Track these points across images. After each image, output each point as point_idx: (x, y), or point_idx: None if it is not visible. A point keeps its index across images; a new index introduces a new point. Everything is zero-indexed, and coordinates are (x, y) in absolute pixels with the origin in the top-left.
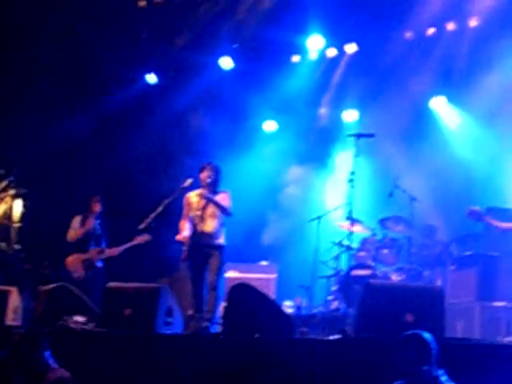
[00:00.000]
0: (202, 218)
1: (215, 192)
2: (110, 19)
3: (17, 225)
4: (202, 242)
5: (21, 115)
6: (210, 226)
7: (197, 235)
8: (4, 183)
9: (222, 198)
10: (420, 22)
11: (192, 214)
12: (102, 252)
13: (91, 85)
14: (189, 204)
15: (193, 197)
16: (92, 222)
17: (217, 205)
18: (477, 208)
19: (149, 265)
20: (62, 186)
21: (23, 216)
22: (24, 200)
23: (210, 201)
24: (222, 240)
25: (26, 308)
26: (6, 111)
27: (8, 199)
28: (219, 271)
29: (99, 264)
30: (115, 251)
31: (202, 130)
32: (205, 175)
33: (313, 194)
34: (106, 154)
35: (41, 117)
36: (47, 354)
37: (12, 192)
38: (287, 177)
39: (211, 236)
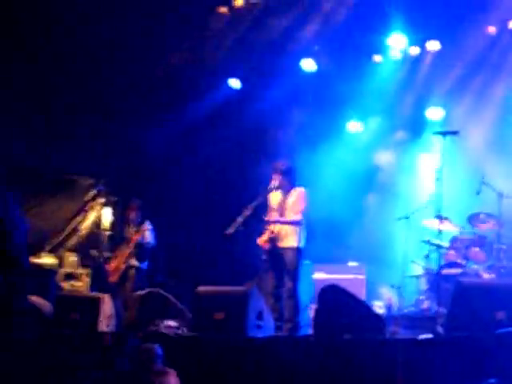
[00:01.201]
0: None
1: (290, 189)
2: (192, 25)
3: (107, 232)
4: (276, 244)
5: (108, 124)
6: (283, 227)
7: (272, 237)
8: (93, 192)
9: (296, 198)
10: (502, 16)
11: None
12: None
13: (175, 92)
14: (270, 205)
15: (272, 197)
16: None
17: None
18: None
19: (238, 267)
20: (151, 193)
21: (113, 224)
22: (114, 208)
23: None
24: (296, 242)
25: (119, 314)
26: (93, 120)
27: (98, 207)
28: (295, 276)
29: (132, 265)
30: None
31: (286, 132)
32: (275, 178)
33: (401, 190)
34: (191, 160)
35: (128, 125)
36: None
37: (102, 200)
38: (374, 174)
39: (284, 238)
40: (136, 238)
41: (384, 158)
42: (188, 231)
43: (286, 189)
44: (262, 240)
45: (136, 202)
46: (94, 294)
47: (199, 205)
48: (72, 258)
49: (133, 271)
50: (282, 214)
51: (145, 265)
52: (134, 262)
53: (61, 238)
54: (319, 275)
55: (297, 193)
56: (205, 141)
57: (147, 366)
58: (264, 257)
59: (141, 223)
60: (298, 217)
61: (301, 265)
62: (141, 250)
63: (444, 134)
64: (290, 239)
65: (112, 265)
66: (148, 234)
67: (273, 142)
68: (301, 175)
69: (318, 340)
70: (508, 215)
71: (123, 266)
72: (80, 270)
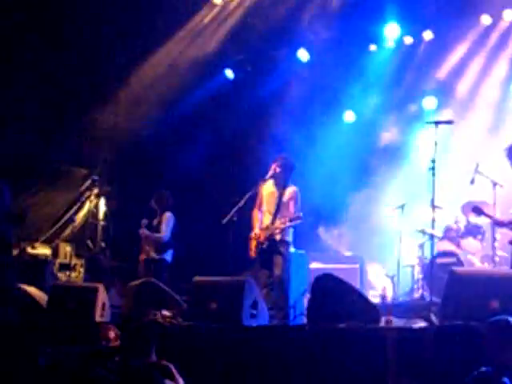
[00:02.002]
0: (269, 213)
1: (284, 186)
2: (186, 17)
3: (101, 223)
4: (267, 237)
5: (101, 115)
6: (275, 221)
7: (263, 230)
8: (88, 182)
9: (293, 199)
10: (496, 6)
11: (262, 207)
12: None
13: (167, 81)
14: (261, 195)
15: (264, 188)
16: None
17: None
18: None
19: (232, 257)
20: (143, 183)
21: (107, 214)
22: (107, 198)
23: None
24: (285, 237)
25: (113, 304)
26: (87, 112)
27: (93, 198)
28: (285, 266)
29: (151, 257)
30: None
31: (282, 121)
32: (273, 168)
33: (395, 181)
34: (184, 150)
35: (121, 115)
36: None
37: (96, 191)
38: (368, 164)
39: (275, 233)
40: (141, 232)
41: (385, 139)
42: (183, 221)
43: (281, 184)
44: (255, 235)
45: (158, 192)
46: (90, 283)
47: (194, 194)
48: (67, 248)
49: (154, 264)
50: (276, 210)
51: (167, 256)
52: (153, 254)
53: (55, 229)
54: (314, 264)
55: (292, 192)
56: (201, 130)
57: None
58: (254, 251)
59: (160, 214)
60: (297, 221)
61: (290, 255)
62: (155, 243)
63: (438, 123)
64: (281, 234)
65: (140, 257)
66: (163, 226)
67: (269, 131)
68: (297, 172)
69: (312, 329)
70: (502, 204)
71: (145, 258)
72: (75, 261)
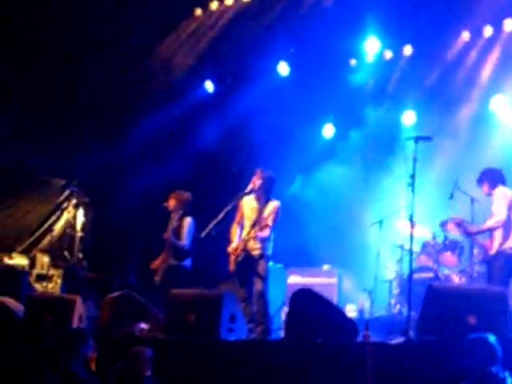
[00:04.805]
0: (249, 226)
1: (266, 201)
2: (168, 28)
3: (79, 234)
4: (242, 249)
5: (80, 125)
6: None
7: (240, 243)
8: (66, 193)
9: (272, 212)
10: (476, 22)
11: (242, 221)
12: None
13: (149, 94)
14: (241, 210)
15: (245, 203)
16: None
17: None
18: None
19: (212, 270)
20: (122, 194)
21: (85, 225)
22: (86, 209)
23: None
24: (264, 251)
25: (90, 316)
26: (65, 122)
27: (71, 208)
28: (264, 280)
29: (171, 264)
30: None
31: (261, 135)
32: (254, 181)
33: (374, 197)
34: (165, 163)
35: (101, 126)
36: None
37: (74, 201)
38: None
39: (253, 248)
40: (166, 235)
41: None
42: (161, 233)
43: (262, 199)
44: (232, 249)
45: (179, 192)
46: (67, 295)
47: None
48: (44, 258)
49: (173, 271)
50: (256, 223)
51: (187, 263)
52: (172, 261)
53: (33, 239)
54: (292, 279)
55: (273, 207)
56: (181, 143)
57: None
58: (233, 265)
59: (180, 218)
60: (266, 232)
61: (268, 270)
62: (176, 249)
63: (417, 139)
64: (259, 248)
65: (154, 263)
66: (185, 233)
67: (249, 144)
68: (276, 187)
69: (289, 343)
70: (480, 220)
71: (163, 266)
72: (52, 271)
